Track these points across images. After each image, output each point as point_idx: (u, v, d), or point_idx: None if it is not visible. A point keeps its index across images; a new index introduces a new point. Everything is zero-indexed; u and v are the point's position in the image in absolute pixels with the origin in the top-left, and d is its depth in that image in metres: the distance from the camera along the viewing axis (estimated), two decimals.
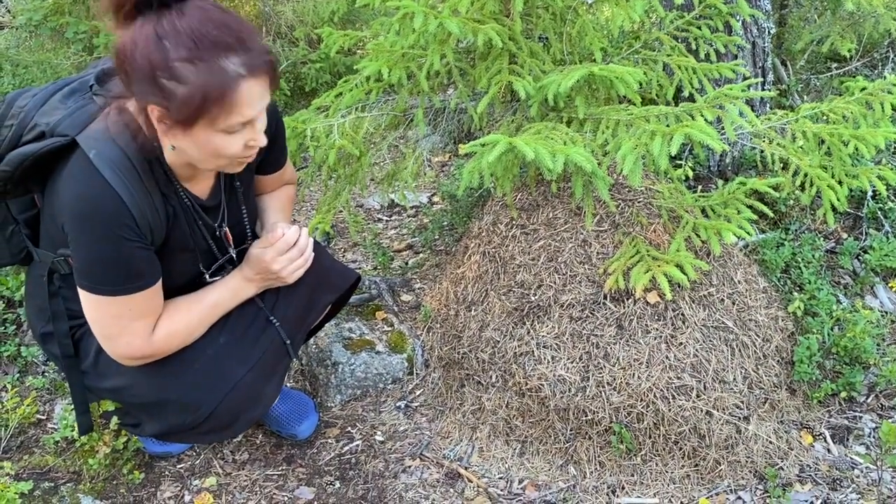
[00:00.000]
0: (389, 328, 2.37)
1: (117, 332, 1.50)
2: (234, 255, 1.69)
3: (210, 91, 1.24)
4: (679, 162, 2.60)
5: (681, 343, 1.90)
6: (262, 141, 1.37)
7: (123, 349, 1.52)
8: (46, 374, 2.29)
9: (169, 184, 1.48)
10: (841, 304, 2.32)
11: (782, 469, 1.90)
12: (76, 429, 1.78)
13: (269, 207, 1.80)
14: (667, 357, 1.88)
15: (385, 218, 3.36)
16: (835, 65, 3.24)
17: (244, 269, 1.65)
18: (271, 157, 1.72)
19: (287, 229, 1.63)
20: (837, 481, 1.87)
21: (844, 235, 2.55)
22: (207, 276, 1.65)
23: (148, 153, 1.41)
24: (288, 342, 1.73)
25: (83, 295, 1.46)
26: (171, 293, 1.57)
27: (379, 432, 2.10)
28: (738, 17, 2.37)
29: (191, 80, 1.23)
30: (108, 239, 1.38)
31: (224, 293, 1.63)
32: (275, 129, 1.65)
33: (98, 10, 3.55)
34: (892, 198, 2.56)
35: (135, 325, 1.49)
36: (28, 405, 2.10)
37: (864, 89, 1.98)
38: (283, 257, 1.62)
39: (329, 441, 2.07)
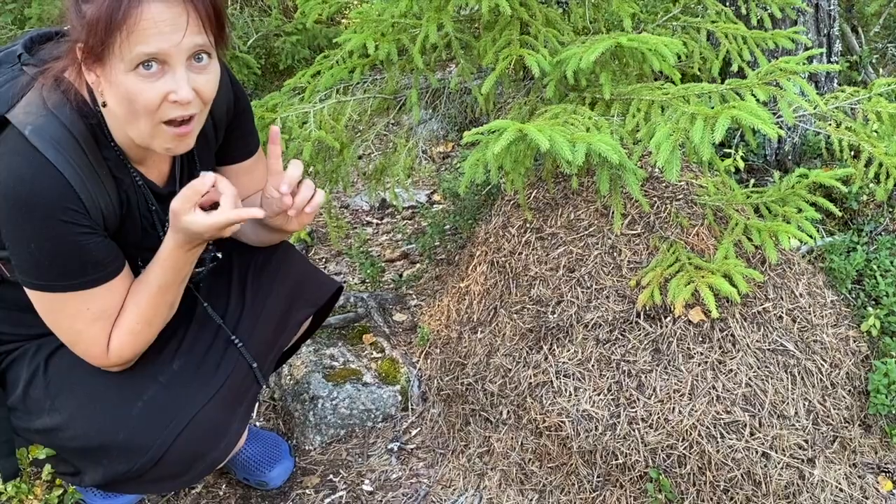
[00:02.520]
0: (379, 354, 2.36)
1: (73, 340, 1.53)
2: None
3: (112, 7, 1.29)
4: (727, 151, 2.60)
5: (730, 370, 1.89)
6: (184, 94, 1.37)
7: (86, 357, 1.56)
8: None
9: (121, 166, 1.50)
10: None
11: None
12: None
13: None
14: (713, 387, 1.87)
15: (375, 221, 3.36)
16: None
17: (169, 232, 1.55)
18: (237, 137, 1.72)
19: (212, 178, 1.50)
20: None
21: None
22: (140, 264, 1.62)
23: (88, 117, 1.43)
24: (254, 365, 1.73)
25: (31, 294, 1.48)
26: None
27: (367, 480, 2.09)
28: None
29: None
30: (52, 225, 1.39)
31: (163, 269, 1.56)
32: (235, 105, 1.65)
33: None
34: None
35: (92, 331, 1.52)
36: None
37: None
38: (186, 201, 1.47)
39: (307, 491, 2.07)
